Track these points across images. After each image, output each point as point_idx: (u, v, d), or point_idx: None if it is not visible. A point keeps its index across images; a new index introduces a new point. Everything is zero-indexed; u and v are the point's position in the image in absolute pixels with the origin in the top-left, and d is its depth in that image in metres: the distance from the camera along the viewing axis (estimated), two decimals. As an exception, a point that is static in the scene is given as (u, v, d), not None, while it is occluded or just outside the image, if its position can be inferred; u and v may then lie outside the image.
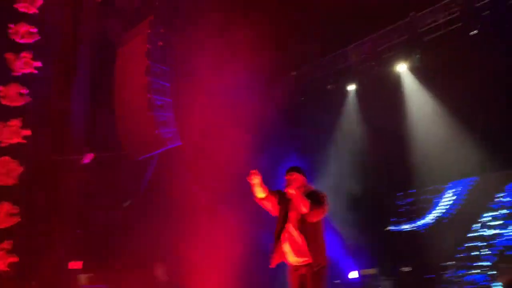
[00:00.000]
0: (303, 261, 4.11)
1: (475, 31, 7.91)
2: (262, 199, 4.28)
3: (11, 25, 7.41)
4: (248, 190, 4.26)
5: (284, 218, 4.26)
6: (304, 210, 4.04)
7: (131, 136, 8.98)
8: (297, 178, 4.27)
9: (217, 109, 8.60)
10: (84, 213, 7.78)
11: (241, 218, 8.05)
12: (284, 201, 4.31)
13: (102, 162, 8.47)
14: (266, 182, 4.26)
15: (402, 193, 9.89)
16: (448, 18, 8.19)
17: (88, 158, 8.04)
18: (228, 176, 7.82)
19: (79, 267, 7.13)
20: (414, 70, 9.12)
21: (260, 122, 8.68)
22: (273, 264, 4.26)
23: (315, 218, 4.08)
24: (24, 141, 7.26)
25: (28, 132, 7.31)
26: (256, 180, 4.13)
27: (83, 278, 7.12)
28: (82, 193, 7.87)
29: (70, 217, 7.61)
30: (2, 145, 7.12)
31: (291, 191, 4.12)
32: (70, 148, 7.91)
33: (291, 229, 4.20)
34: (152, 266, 8.74)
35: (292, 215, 4.22)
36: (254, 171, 4.12)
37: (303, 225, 4.12)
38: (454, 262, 8.82)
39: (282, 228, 4.23)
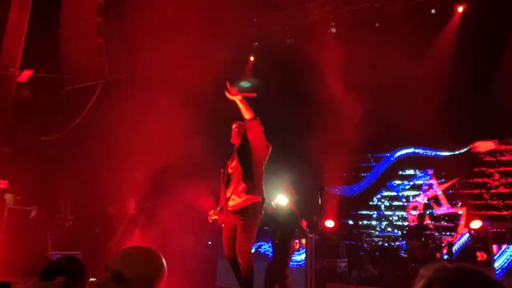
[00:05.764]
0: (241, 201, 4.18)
1: None
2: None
3: None
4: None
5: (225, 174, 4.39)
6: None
7: (74, 61, 8.54)
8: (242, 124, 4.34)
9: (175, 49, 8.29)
10: (15, 133, 7.35)
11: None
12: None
13: (39, 82, 7.98)
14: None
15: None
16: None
17: (25, 76, 7.52)
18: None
19: (4, 186, 6.81)
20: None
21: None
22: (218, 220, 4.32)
23: (257, 128, 4.08)
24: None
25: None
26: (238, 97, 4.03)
27: (9, 197, 6.83)
28: (15, 112, 7.39)
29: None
30: None
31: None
32: (5, 62, 7.31)
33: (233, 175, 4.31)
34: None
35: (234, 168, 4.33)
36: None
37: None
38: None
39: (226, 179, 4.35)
